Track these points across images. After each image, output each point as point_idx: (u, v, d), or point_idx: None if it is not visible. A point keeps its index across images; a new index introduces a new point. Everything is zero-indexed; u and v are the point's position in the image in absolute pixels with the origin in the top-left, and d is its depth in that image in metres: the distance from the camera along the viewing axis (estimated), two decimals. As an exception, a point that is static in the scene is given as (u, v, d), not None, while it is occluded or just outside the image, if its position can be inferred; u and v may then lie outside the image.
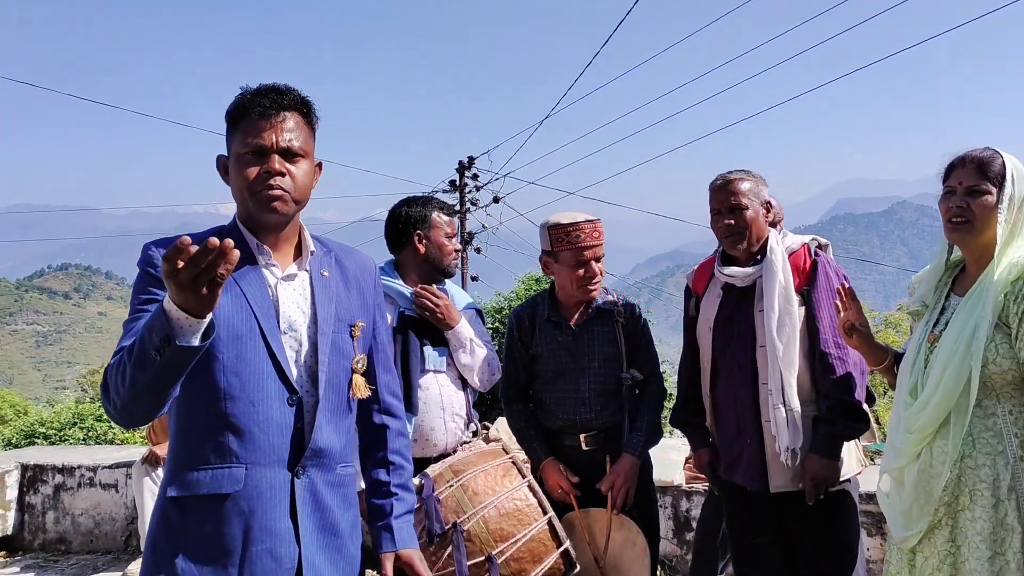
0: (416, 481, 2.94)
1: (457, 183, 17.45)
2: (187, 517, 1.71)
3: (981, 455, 2.14)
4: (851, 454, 2.85)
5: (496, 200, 17.76)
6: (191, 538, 1.70)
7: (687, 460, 4.70)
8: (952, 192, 2.25)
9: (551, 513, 2.62)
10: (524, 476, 2.67)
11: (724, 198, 2.83)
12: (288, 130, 1.77)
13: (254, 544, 1.70)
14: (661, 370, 3.26)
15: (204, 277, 1.37)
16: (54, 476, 5.64)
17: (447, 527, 2.58)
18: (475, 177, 17.66)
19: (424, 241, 3.09)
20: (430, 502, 2.65)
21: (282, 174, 1.76)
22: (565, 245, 3.02)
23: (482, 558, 2.54)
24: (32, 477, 5.68)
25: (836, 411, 2.73)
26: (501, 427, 5.33)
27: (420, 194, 3.27)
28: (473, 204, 18.37)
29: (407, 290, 3.04)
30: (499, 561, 2.54)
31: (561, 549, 2.63)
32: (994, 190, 2.19)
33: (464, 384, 3.13)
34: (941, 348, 2.24)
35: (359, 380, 1.90)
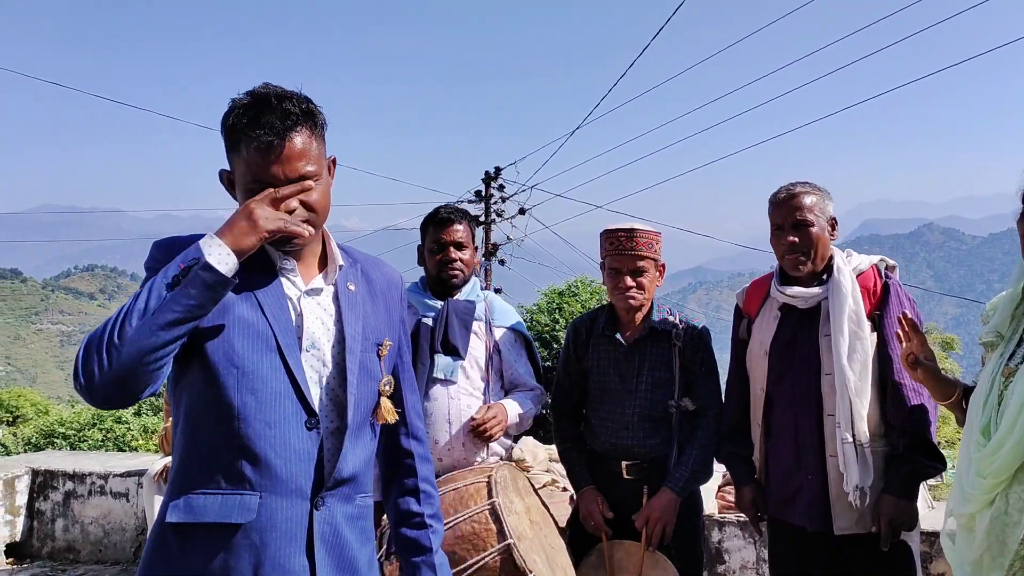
0: None
1: (483, 193, 17.29)
2: (189, 547, 1.54)
3: (1065, 505, 1.92)
4: (920, 496, 2.62)
5: (522, 212, 17.58)
6: (192, 572, 1.53)
7: (720, 488, 4.49)
8: None
9: (511, 540, 2.41)
10: (491, 497, 2.49)
11: (788, 213, 2.63)
12: (297, 156, 1.56)
13: None
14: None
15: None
16: (64, 483, 5.53)
17: None
18: (501, 188, 17.49)
19: (422, 255, 3.05)
20: None
21: (295, 207, 1.58)
22: (606, 252, 2.94)
23: None
24: (42, 483, 5.57)
25: (915, 448, 2.51)
26: (525, 447, 5.15)
27: (439, 205, 3.11)
28: (499, 215, 18.20)
29: (430, 301, 2.96)
30: None
31: None
32: None
33: (485, 396, 2.95)
34: (1018, 383, 2.03)
35: (387, 404, 1.75)
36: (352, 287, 1.74)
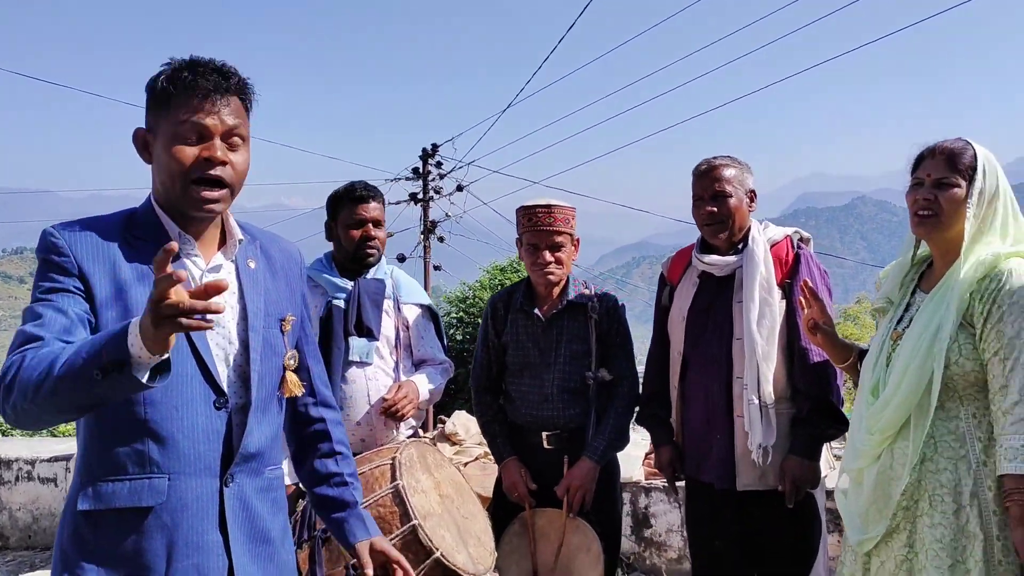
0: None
1: (420, 171, 17.20)
2: (102, 533, 1.55)
3: (943, 459, 2.07)
4: (822, 456, 2.75)
5: (460, 188, 17.53)
6: (107, 557, 1.54)
7: (646, 456, 4.63)
8: (920, 184, 2.16)
9: (416, 521, 2.42)
10: (394, 480, 2.51)
11: (707, 184, 2.73)
12: (232, 114, 1.62)
13: (179, 560, 1.56)
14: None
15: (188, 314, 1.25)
16: (-10, 469, 5.42)
17: (314, 534, 2.46)
18: (439, 165, 17.40)
19: (333, 230, 3.03)
20: (307, 507, 2.54)
21: (223, 163, 1.60)
22: (523, 228, 2.97)
23: (340, 568, 2.39)
24: (-33, 470, 5.45)
25: (818, 411, 2.65)
26: (458, 421, 5.22)
27: (352, 181, 3.09)
28: (436, 192, 18.07)
29: (339, 281, 2.96)
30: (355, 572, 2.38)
31: (430, 560, 2.41)
32: (964, 183, 2.09)
33: (397, 375, 3.00)
34: (903, 347, 2.16)
35: (292, 377, 1.78)
36: (252, 264, 1.76)
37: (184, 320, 1.25)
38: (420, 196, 17.85)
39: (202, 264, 1.68)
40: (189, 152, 1.58)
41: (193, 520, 1.58)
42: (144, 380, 1.32)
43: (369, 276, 3.00)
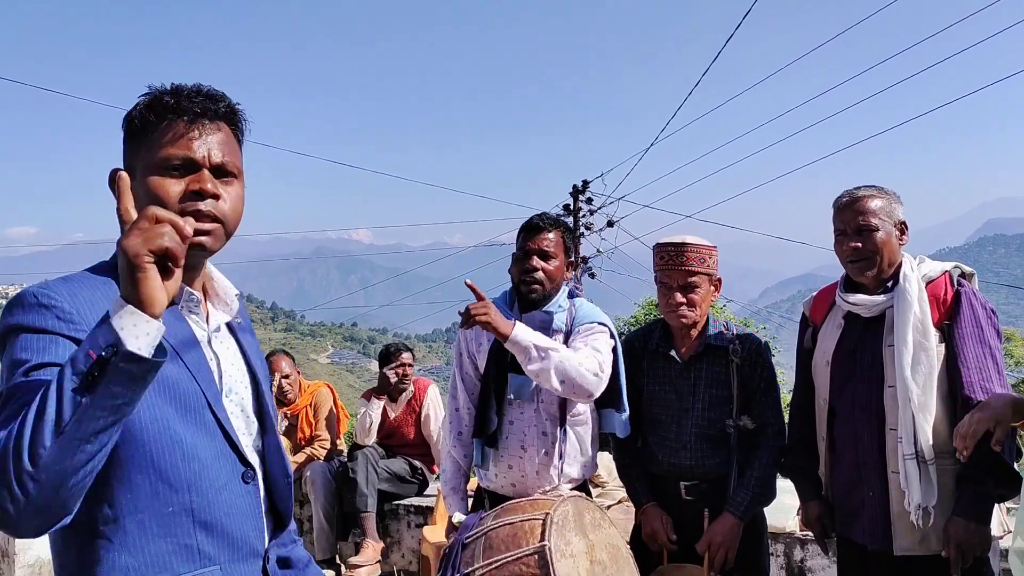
0: (459, 517, 2.77)
1: (571, 207, 17.33)
2: None
3: None
4: (993, 516, 2.44)
5: (610, 224, 17.49)
6: None
7: (801, 505, 4.35)
8: None
9: None
10: (543, 539, 2.34)
11: (851, 217, 2.51)
12: (221, 143, 1.41)
13: None
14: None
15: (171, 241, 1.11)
16: None
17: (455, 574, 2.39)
18: (589, 201, 17.47)
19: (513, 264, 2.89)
20: (455, 545, 2.49)
21: (216, 196, 1.38)
22: (656, 267, 2.87)
23: None
24: None
25: (985, 468, 2.33)
26: (600, 462, 5.12)
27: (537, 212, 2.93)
28: (587, 228, 18.11)
29: (510, 314, 2.80)
30: None
31: None
32: None
33: (562, 419, 2.79)
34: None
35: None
36: (239, 319, 1.58)
37: (171, 241, 1.10)
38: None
39: (203, 323, 1.49)
40: (174, 185, 1.36)
41: None
42: (147, 354, 1.10)
43: (541, 309, 2.82)
